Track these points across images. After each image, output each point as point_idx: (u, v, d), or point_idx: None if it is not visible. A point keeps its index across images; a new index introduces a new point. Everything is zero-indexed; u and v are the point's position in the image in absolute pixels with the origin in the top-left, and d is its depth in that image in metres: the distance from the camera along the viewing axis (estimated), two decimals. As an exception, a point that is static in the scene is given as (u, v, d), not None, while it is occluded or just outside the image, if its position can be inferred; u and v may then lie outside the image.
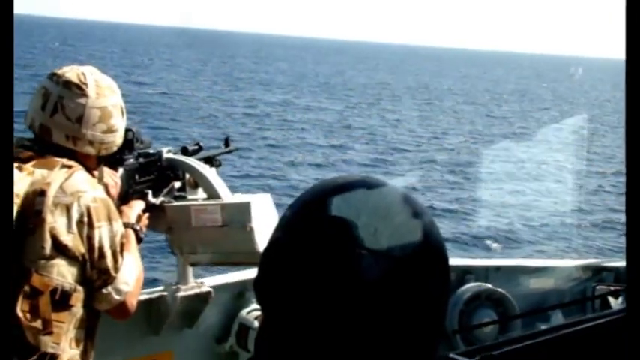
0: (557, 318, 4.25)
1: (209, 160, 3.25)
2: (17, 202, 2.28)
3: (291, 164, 20.92)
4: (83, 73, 2.50)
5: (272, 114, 32.37)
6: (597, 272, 4.65)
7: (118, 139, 2.58)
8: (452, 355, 1.70)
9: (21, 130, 2.51)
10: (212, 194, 3.07)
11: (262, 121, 29.51)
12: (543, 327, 3.91)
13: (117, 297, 2.45)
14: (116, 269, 2.44)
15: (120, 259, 2.45)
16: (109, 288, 2.43)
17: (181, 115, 28.61)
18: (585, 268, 4.66)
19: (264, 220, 2.98)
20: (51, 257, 2.30)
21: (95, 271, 2.40)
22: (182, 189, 3.13)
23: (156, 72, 50.32)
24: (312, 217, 0.95)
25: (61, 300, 2.33)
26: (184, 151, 3.19)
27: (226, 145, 3.45)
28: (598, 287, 4.51)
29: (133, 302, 2.52)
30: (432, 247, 0.95)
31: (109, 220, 2.42)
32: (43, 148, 2.44)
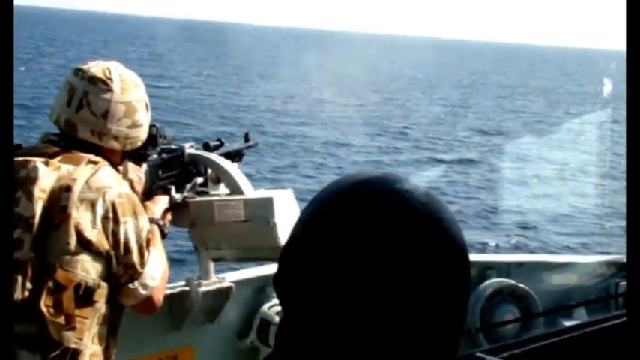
0: (580, 314, 4.23)
1: (230, 156, 3.26)
2: (43, 197, 2.30)
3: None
4: (108, 69, 2.52)
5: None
6: (621, 268, 4.61)
7: (142, 134, 2.59)
8: (477, 353, 1.69)
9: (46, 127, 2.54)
10: (234, 189, 3.08)
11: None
12: (566, 324, 3.90)
13: (143, 292, 2.47)
14: (142, 264, 2.45)
15: (146, 254, 2.47)
16: (136, 283, 2.45)
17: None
18: (608, 264, 4.63)
19: (287, 216, 2.98)
20: (75, 253, 2.32)
21: (121, 267, 2.42)
22: (204, 184, 3.14)
23: (177, 67, 50.38)
24: (332, 213, 0.94)
25: (85, 295, 2.35)
26: (206, 147, 3.20)
27: (246, 140, 3.46)
28: (621, 284, 4.47)
29: (159, 297, 2.54)
30: (452, 244, 0.94)
31: (135, 215, 2.44)
32: (69, 144, 2.46)
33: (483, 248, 13.03)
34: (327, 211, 0.95)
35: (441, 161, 22.13)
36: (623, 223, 15.30)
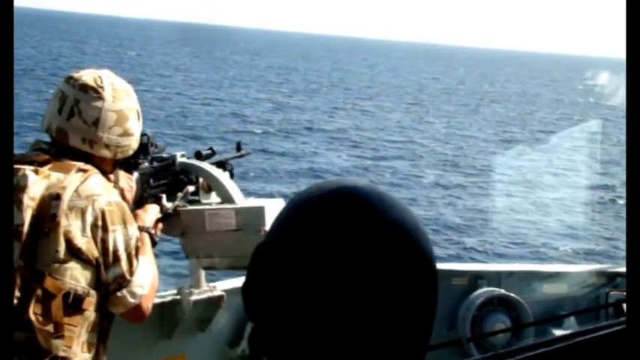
0: (570, 323, 4.24)
1: (222, 165, 3.26)
2: (33, 205, 2.30)
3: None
4: (100, 77, 2.52)
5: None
6: (611, 278, 4.62)
7: (133, 142, 2.59)
8: None
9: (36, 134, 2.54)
10: (226, 198, 3.07)
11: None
12: (556, 332, 3.90)
13: (132, 300, 2.46)
14: (131, 272, 2.44)
15: (135, 262, 2.46)
16: (124, 291, 2.44)
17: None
18: (599, 273, 4.64)
19: None
20: (64, 261, 2.31)
21: (110, 275, 2.41)
22: (196, 193, 3.14)
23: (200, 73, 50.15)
24: (297, 223, 0.95)
25: (74, 304, 2.34)
26: (198, 156, 3.20)
27: (238, 149, 3.46)
28: (612, 293, 4.49)
29: (148, 305, 2.53)
30: (418, 252, 0.94)
31: (124, 223, 2.43)
32: (60, 152, 2.46)
33: (473, 257, 13.05)
34: (293, 220, 0.96)
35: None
36: (611, 234, 15.38)
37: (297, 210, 0.97)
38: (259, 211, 2.99)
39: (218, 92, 38.98)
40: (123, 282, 2.43)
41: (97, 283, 2.39)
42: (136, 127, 2.58)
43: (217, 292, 3.44)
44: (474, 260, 12.72)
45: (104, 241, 2.38)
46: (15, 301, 2.26)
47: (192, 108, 30.96)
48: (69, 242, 2.31)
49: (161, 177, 2.99)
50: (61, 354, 2.33)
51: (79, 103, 2.46)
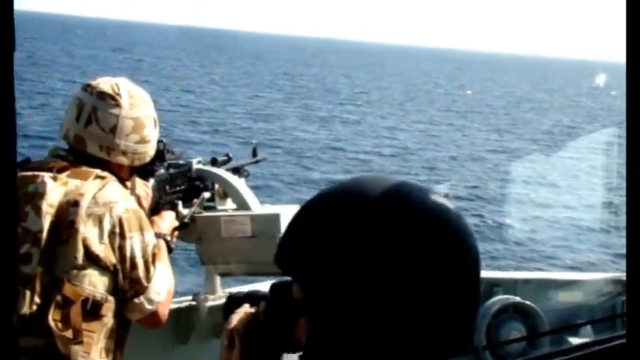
0: (587, 332, 4.21)
1: (237, 171, 3.27)
2: (51, 211, 2.32)
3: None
4: (117, 84, 2.54)
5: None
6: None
7: (150, 149, 2.61)
8: None
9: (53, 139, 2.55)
10: (241, 205, 3.08)
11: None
12: (572, 341, 3.89)
13: (149, 307, 2.47)
14: (148, 279, 2.46)
15: (152, 268, 2.47)
16: (141, 298, 2.46)
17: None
18: (615, 281, 4.61)
19: None
20: (83, 267, 2.33)
21: (127, 281, 2.42)
22: (212, 199, 3.15)
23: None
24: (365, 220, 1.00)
25: (92, 310, 2.36)
26: (214, 162, 3.21)
27: (254, 154, 3.47)
28: (628, 302, 4.46)
29: (164, 312, 2.55)
30: (469, 251, 1.00)
31: (141, 230, 2.45)
32: (77, 158, 2.48)
33: (490, 264, 12.99)
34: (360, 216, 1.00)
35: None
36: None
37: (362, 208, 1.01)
38: (275, 218, 2.99)
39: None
40: (140, 289, 2.45)
41: (114, 290, 2.41)
42: (152, 134, 2.60)
43: (233, 299, 3.44)
44: (489, 268, 12.68)
45: (121, 248, 2.39)
46: (34, 307, 2.28)
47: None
48: (87, 249, 2.33)
49: (177, 184, 3.01)
50: None
51: (96, 110, 2.48)
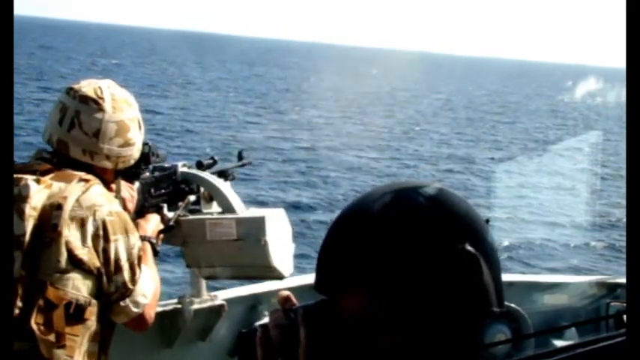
0: (571, 335, 4.23)
1: (223, 174, 3.26)
2: (34, 214, 2.30)
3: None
4: (100, 88, 2.53)
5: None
6: (612, 289, 4.62)
7: (135, 152, 2.60)
8: None
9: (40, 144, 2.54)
10: (227, 208, 3.08)
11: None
12: (557, 343, 3.90)
13: (135, 309, 2.46)
14: (133, 282, 2.45)
15: (137, 271, 2.46)
16: (127, 301, 2.44)
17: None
18: (599, 284, 4.64)
19: (279, 235, 2.99)
20: (66, 271, 2.31)
21: (112, 285, 2.41)
22: (197, 202, 3.14)
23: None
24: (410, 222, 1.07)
25: (76, 314, 2.34)
26: (199, 165, 3.20)
27: (239, 158, 3.47)
28: (612, 304, 4.48)
29: (151, 314, 2.54)
30: (489, 243, 1.09)
31: (126, 232, 2.44)
32: (61, 161, 2.47)
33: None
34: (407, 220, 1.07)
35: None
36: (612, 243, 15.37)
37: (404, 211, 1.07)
38: (260, 221, 2.99)
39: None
40: (126, 291, 2.44)
41: (98, 293, 2.39)
42: (137, 137, 2.59)
43: (218, 302, 3.44)
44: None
45: (106, 251, 2.38)
46: (17, 311, 2.26)
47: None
48: (70, 252, 2.31)
49: (162, 186, 3.00)
50: None
51: (79, 114, 2.47)
